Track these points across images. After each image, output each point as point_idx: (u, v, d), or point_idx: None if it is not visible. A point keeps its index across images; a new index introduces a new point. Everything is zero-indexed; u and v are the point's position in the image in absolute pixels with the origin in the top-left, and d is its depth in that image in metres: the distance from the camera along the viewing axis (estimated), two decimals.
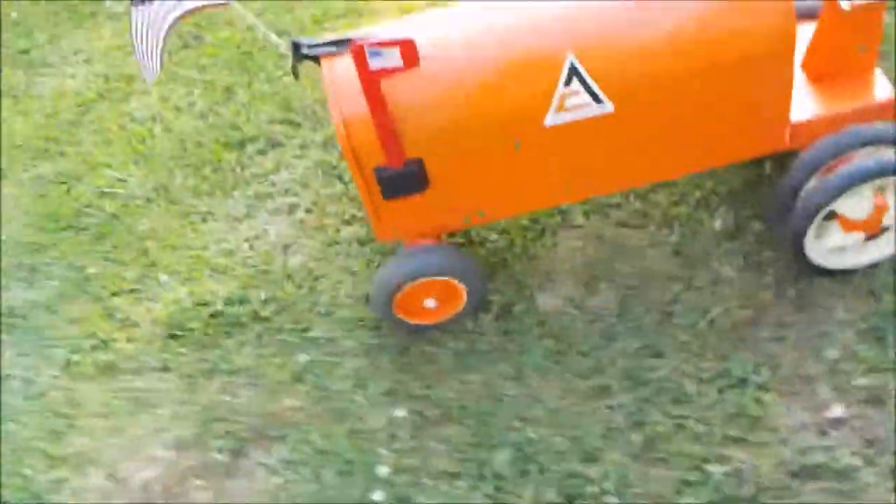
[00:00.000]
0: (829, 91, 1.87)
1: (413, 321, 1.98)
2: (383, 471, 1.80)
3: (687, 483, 1.66)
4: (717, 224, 2.04)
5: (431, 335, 1.99)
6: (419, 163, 1.78)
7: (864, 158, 1.75)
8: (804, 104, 1.86)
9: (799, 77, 1.90)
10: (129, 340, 2.19)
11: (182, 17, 1.61)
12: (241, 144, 2.59)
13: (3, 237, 2.56)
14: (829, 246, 1.86)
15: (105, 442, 2.00)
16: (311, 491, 1.81)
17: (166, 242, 2.39)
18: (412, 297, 1.94)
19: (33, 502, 1.92)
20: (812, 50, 1.88)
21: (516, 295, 2.02)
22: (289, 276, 2.21)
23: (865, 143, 1.78)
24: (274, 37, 1.74)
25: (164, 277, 2.30)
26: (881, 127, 1.78)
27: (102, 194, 2.56)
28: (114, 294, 2.31)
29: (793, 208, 1.82)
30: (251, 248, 2.32)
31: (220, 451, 1.92)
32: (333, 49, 1.74)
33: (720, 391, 1.76)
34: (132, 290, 2.31)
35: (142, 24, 1.58)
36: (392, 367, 1.96)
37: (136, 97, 2.88)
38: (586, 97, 1.71)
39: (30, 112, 2.91)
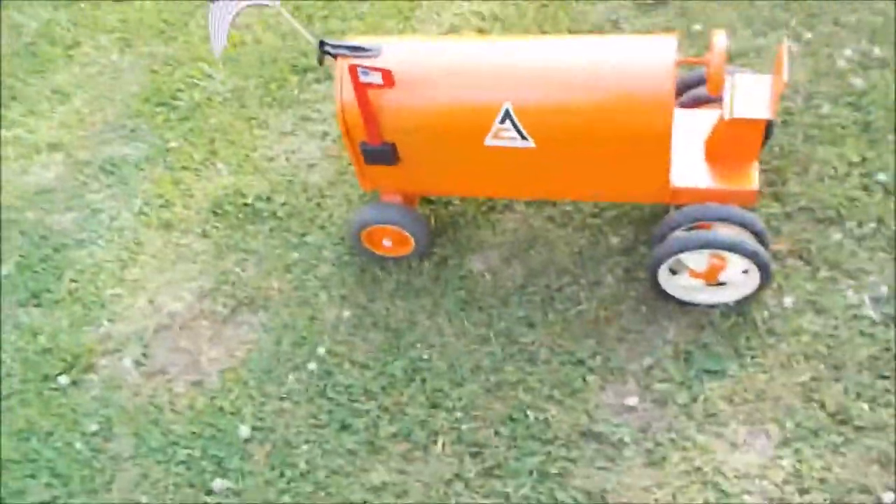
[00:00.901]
0: (713, 170, 2.42)
1: (373, 251, 2.70)
2: (321, 350, 2.58)
3: (511, 418, 2.38)
4: (616, 240, 2.65)
5: (385, 264, 2.71)
6: (392, 145, 2.45)
7: (708, 232, 2.33)
8: (691, 174, 2.42)
9: (698, 150, 2.45)
10: (184, 207, 2.99)
11: (239, 12, 2.27)
12: (304, 71, 3.28)
13: (118, 98, 3.37)
14: (681, 283, 2.46)
15: (152, 277, 2.85)
16: (272, 350, 2.61)
17: (228, 137, 3.15)
18: (374, 235, 2.66)
19: (96, 304, 2.80)
20: (710, 135, 2.42)
21: (454, 252, 2.70)
22: (305, 190, 2.94)
23: (719, 219, 2.35)
24: (307, 34, 2.39)
25: (220, 165, 3.08)
26: (735, 211, 2.34)
27: (194, 84, 3.32)
28: (183, 168, 3.10)
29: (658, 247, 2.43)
30: (286, 159, 3.05)
31: (223, 305, 2.74)
32: (346, 52, 2.38)
33: (561, 364, 2.44)
34: (196, 169, 3.09)
35: (213, 14, 2.26)
36: (351, 279, 2.71)
37: None
38: (514, 134, 2.33)
39: None
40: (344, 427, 2.43)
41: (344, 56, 2.38)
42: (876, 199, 2.58)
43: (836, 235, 2.55)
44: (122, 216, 3.02)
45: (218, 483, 2.38)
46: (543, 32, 3.20)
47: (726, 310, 2.44)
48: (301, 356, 2.59)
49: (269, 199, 2.95)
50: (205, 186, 3.03)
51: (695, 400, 2.32)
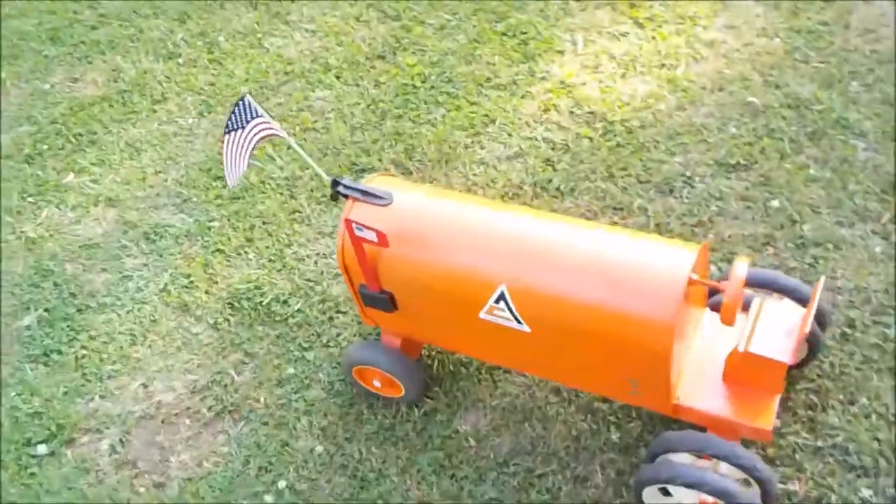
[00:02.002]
0: (726, 394, 2.13)
1: (364, 386, 2.57)
2: (282, 483, 2.46)
3: None
4: (617, 435, 2.39)
5: (373, 402, 2.57)
6: (390, 294, 2.31)
7: (702, 470, 2.03)
8: (700, 393, 2.14)
9: (718, 367, 2.18)
10: (206, 293, 2.97)
11: (258, 143, 2.21)
12: (362, 171, 3.21)
13: (183, 163, 3.41)
14: None
15: (153, 360, 2.83)
16: (237, 470, 2.53)
17: (269, 228, 3.11)
18: (366, 373, 2.52)
19: (95, 377, 2.82)
20: (728, 359, 2.14)
21: (445, 405, 2.53)
22: (322, 301, 2.85)
23: (718, 457, 2.06)
24: (320, 171, 2.30)
25: (251, 255, 3.04)
26: (739, 451, 2.04)
27: (252, 163, 3.32)
28: (217, 250, 3.09)
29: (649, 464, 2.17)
30: (315, 262, 2.98)
31: (209, 408, 2.68)
32: (357, 195, 2.27)
33: None
34: (228, 254, 3.07)
35: (228, 147, 2.21)
36: (335, 410, 2.58)
37: (320, 88, 3.58)
38: (508, 314, 2.14)
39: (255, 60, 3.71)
40: None
41: (354, 198, 2.29)
42: None
43: (866, 491, 2.21)
44: (149, 289, 3.03)
45: None
46: (610, 175, 2.99)
47: None
48: (261, 485, 2.48)
49: (286, 301, 2.89)
50: (231, 274, 3.00)
51: None
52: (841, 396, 2.36)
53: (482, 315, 2.18)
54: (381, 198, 2.26)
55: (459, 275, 2.18)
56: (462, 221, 2.23)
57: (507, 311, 2.13)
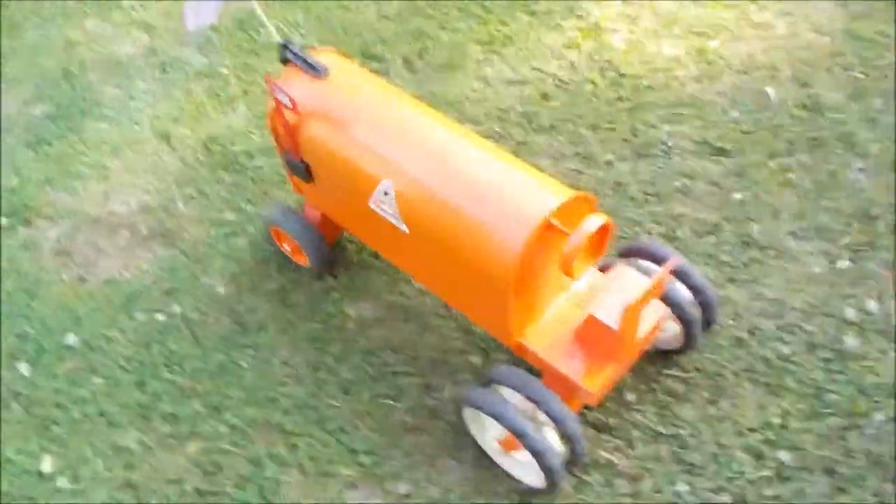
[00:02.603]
0: (568, 350, 2.11)
1: (278, 245, 2.69)
2: (177, 308, 2.65)
3: (257, 462, 2.32)
4: (479, 360, 2.42)
5: (284, 266, 2.70)
6: (307, 165, 2.40)
7: (505, 405, 2.04)
8: (543, 339, 2.14)
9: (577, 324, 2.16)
10: (191, 129, 3.16)
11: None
12: (368, 58, 3.27)
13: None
14: (486, 434, 2.22)
15: (122, 174, 3.06)
16: (142, 285, 2.73)
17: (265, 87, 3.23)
18: (280, 234, 2.64)
19: (70, 174, 3.06)
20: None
21: (345, 287, 2.62)
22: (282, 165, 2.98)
23: (535, 401, 2.07)
24: (273, 30, 2.38)
25: (241, 107, 3.19)
26: (553, 403, 2.03)
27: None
28: (215, 94, 3.25)
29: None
30: None
31: (149, 228, 2.89)
32: (298, 63, 2.34)
33: (338, 441, 2.32)
34: (222, 101, 3.23)
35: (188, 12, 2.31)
36: (249, 262, 2.74)
37: None
38: (391, 210, 2.18)
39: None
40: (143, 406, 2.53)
41: (294, 66, 2.36)
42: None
43: (682, 486, 2.15)
44: (145, 112, 3.24)
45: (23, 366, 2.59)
46: (595, 126, 2.91)
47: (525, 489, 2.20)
48: (160, 304, 2.68)
49: (252, 156, 3.02)
50: (217, 119, 3.16)
51: None
52: (705, 394, 2.29)
53: (371, 205, 2.23)
54: (317, 70, 2.32)
55: (356, 159, 2.23)
56: (379, 112, 2.26)
57: (390, 207, 2.18)
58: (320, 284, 2.65)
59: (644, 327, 2.11)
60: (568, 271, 1.93)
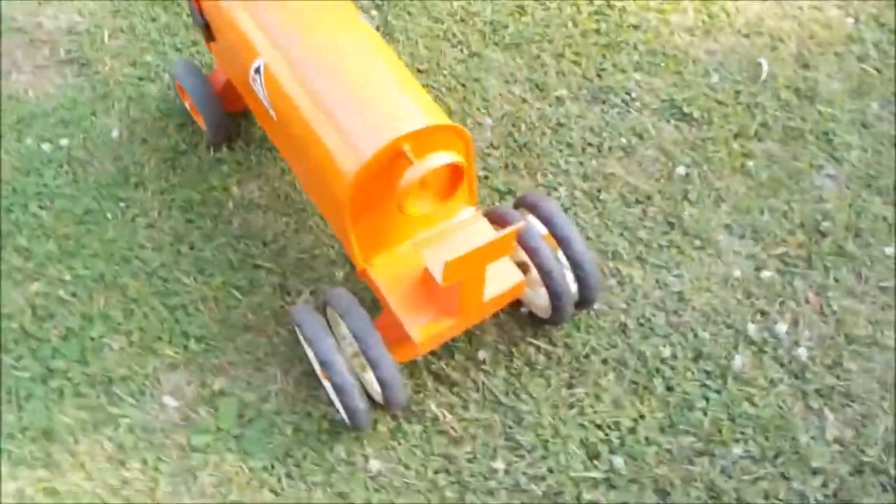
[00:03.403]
0: (409, 291, 1.91)
1: (182, 101, 2.51)
2: (65, 142, 2.50)
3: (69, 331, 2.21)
4: (341, 273, 2.25)
5: (186, 125, 2.52)
6: (208, 23, 2.18)
7: (316, 334, 1.87)
8: (389, 272, 1.94)
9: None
10: None
11: None
12: None
13: None
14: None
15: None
16: (44, 109, 2.58)
17: None
18: (182, 90, 2.46)
19: None
20: None
21: (236, 164, 2.44)
22: None
23: (354, 335, 1.89)
24: None
25: None
26: (370, 340, 1.85)
27: None
28: None
29: None
30: None
31: (69, 51, 2.71)
32: None
33: (172, 332, 2.20)
34: None
35: None
36: (152, 111, 2.56)
37: None
38: (261, 91, 1.97)
39: None
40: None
41: None
42: None
43: (499, 463, 1.99)
44: None
45: None
46: (560, 55, 2.62)
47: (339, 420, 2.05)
48: (53, 133, 2.52)
49: None
50: None
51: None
52: (564, 375, 2.09)
53: (250, 80, 2.02)
54: None
55: (241, 28, 2.01)
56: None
57: (260, 87, 1.97)
58: (214, 155, 2.47)
59: (494, 289, 1.90)
60: (399, 205, 1.72)
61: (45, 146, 2.51)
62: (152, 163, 2.46)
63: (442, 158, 1.66)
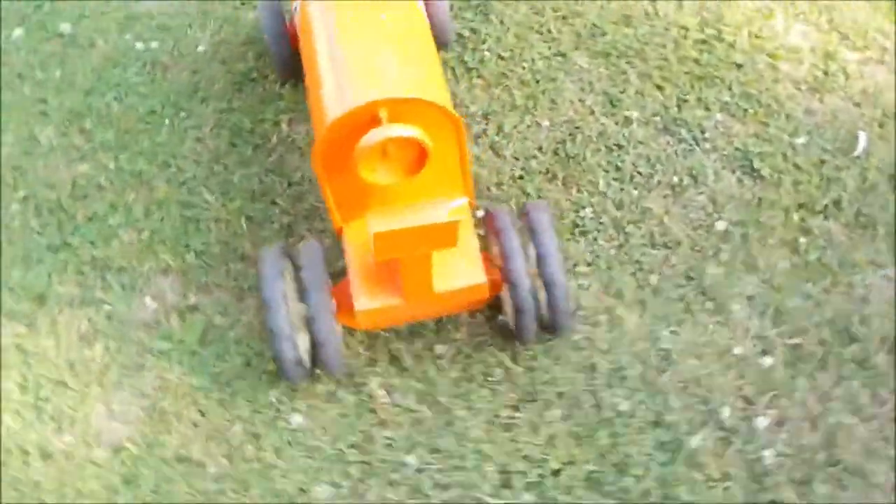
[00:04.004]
0: (371, 261, 1.90)
1: None
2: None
3: None
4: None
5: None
6: None
7: (273, 284, 1.89)
8: (360, 239, 1.92)
9: None
10: None
11: None
12: None
13: None
14: None
15: None
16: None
17: None
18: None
19: None
20: None
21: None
22: None
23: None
24: None
25: None
26: (314, 297, 1.89)
27: None
28: None
29: None
30: None
31: None
32: None
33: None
34: None
35: None
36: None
37: None
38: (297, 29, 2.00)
39: None
40: None
41: None
42: None
43: (409, 473, 1.95)
44: None
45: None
46: (644, 76, 2.47)
47: None
48: (149, 35, 2.69)
49: None
50: None
51: None
52: (513, 395, 2.00)
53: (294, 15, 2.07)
54: None
55: None
56: None
57: (297, 24, 2.01)
58: (278, 90, 2.54)
59: (450, 283, 1.86)
60: (354, 166, 1.69)
61: (139, 44, 2.68)
62: (222, 83, 2.57)
63: (401, 130, 1.62)
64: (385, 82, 1.75)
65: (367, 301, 1.88)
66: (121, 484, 1.98)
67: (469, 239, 1.93)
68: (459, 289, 1.88)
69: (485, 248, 1.99)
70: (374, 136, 1.62)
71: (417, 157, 1.69)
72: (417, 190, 1.78)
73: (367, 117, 1.69)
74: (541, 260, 1.91)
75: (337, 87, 1.78)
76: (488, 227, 2.00)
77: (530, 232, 1.94)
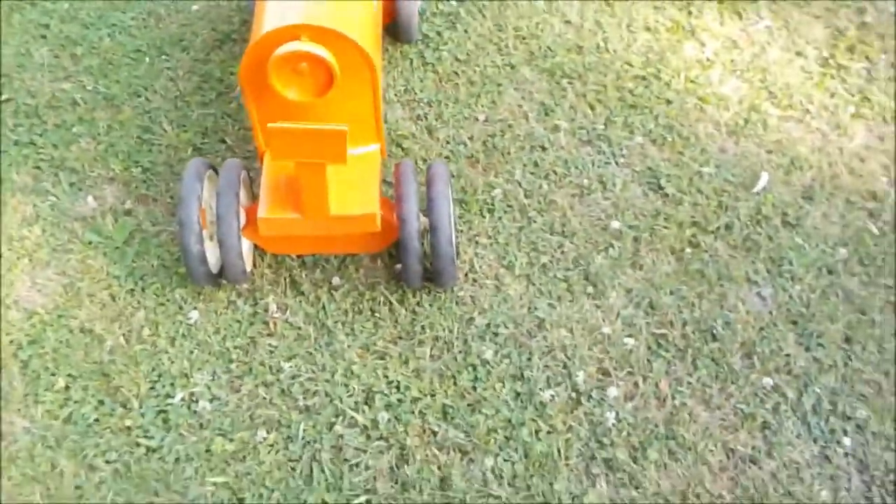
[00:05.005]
0: (282, 180, 2.12)
1: None
2: None
3: None
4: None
5: None
6: None
7: (189, 193, 2.10)
8: (276, 163, 2.13)
9: None
10: None
11: None
12: None
13: None
14: None
15: None
16: None
17: None
18: None
19: None
20: None
21: None
22: None
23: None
24: None
25: None
26: (225, 195, 2.11)
27: None
28: None
29: None
30: None
31: None
32: None
33: None
34: None
35: None
36: None
37: None
38: None
39: None
40: None
41: None
42: None
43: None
44: None
45: None
46: (632, 129, 2.71)
47: None
48: None
49: None
50: None
51: None
52: (392, 331, 2.19)
53: None
54: None
55: None
56: None
57: None
58: None
59: (344, 209, 2.06)
60: (267, 76, 1.93)
61: None
62: (205, 37, 2.85)
63: (310, 47, 1.86)
64: (311, 13, 1.99)
65: (268, 211, 2.08)
66: (26, 342, 2.17)
67: (371, 177, 2.15)
68: (352, 216, 2.08)
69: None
70: (287, 47, 1.86)
71: (326, 80, 1.93)
72: None
73: (288, 38, 1.93)
74: (430, 203, 2.11)
75: (270, 13, 2.01)
76: (394, 178, 2.21)
77: (427, 182, 2.16)
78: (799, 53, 2.89)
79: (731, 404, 2.13)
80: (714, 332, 2.24)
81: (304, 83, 1.94)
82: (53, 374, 2.12)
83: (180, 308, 2.23)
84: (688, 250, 2.39)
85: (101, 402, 2.08)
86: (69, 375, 2.12)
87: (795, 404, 2.12)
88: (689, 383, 2.15)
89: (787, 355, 2.20)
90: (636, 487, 1.99)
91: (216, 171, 2.22)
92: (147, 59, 2.79)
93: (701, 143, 2.65)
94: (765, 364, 2.19)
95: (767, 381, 2.16)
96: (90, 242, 2.35)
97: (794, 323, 2.27)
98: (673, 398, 2.13)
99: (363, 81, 2.04)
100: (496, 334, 2.21)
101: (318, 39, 1.92)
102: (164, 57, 2.80)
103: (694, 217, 2.46)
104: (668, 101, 2.75)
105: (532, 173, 2.54)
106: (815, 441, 2.07)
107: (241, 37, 2.85)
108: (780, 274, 2.35)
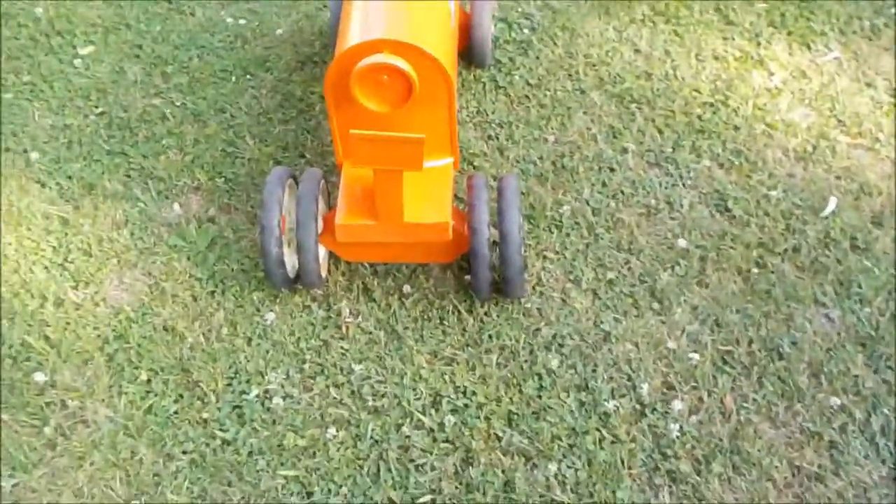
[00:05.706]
0: (360, 191, 2.21)
1: None
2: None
3: None
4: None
5: None
6: None
7: (271, 196, 2.20)
8: (354, 172, 2.25)
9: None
10: None
11: None
12: None
13: None
14: None
15: None
16: None
17: None
18: None
19: None
20: None
21: None
22: None
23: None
24: None
25: None
26: (301, 214, 2.20)
27: None
28: None
29: None
30: None
31: None
32: None
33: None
34: None
35: None
36: None
37: None
38: None
39: None
40: None
41: None
42: None
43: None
44: None
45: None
46: (699, 152, 2.76)
47: None
48: None
49: None
50: None
51: None
52: (461, 338, 2.24)
53: None
54: None
55: None
56: None
57: None
58: None
59: (418, 216, 2.14)
60: (350, 87, 2.03)
61: (230, 19, 3.15)
62: (288, 59, 2.99)
63: (391, 60, 1.96)
64: (393, 29, 2.10)
65: (345, 217, 2.18)
66: (112, 337, 2.29)
67: (444, 188, 2.23)
68: (425, 224, 2.16)
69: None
70: (369, 59, 1.97)
71: (405, 91, 2.02)
72: None
73: (371, 52, 2.04)
74: (501, 213, 2.18)
75: (354, 29, 2.14)
76: (466, 189, 2.29)
77: (498, 193, 2.23)
78: (869, 84, 2.92)
79: (797, 422, 2.13)
80: (780, 350, 2.25)
81: (384, 94, 2.04)
82: (137, 368, 2.23)
83: (257, 310, 2.32)
84: (754, 270, 2.41)
85: (181, 396, 2.18)
86: (151, 369, 2.23)
87: (864, 425, 2.11)
88: (755, 400, 2.16)
89: (856, 376, 2.20)
90: (700, 500, 2.00)
91: (297, 181, 2.33)
92: (233, 78, 2.94)
93: (768, 167, 2.68)
94: (832, 384, 2.18)
95: (835, 401, 2.15)
96: (175, 246, 2.47)
97: (863, 345, 2.26)
98: (738, 414, 2.13)
99: (440, 95, 2.13)
100: (562, 345, 2.25)
101: (398, 53, 2.02)
102: (248, 76, 2.94)
103: (761, 238, 2.48)
104: (736, 127, 2.78)
105: (600, 192, 2.59)
106: (883, 462, 2.06)
107: (321, 59, 2.99)
108: (849, 296, 2.35)
